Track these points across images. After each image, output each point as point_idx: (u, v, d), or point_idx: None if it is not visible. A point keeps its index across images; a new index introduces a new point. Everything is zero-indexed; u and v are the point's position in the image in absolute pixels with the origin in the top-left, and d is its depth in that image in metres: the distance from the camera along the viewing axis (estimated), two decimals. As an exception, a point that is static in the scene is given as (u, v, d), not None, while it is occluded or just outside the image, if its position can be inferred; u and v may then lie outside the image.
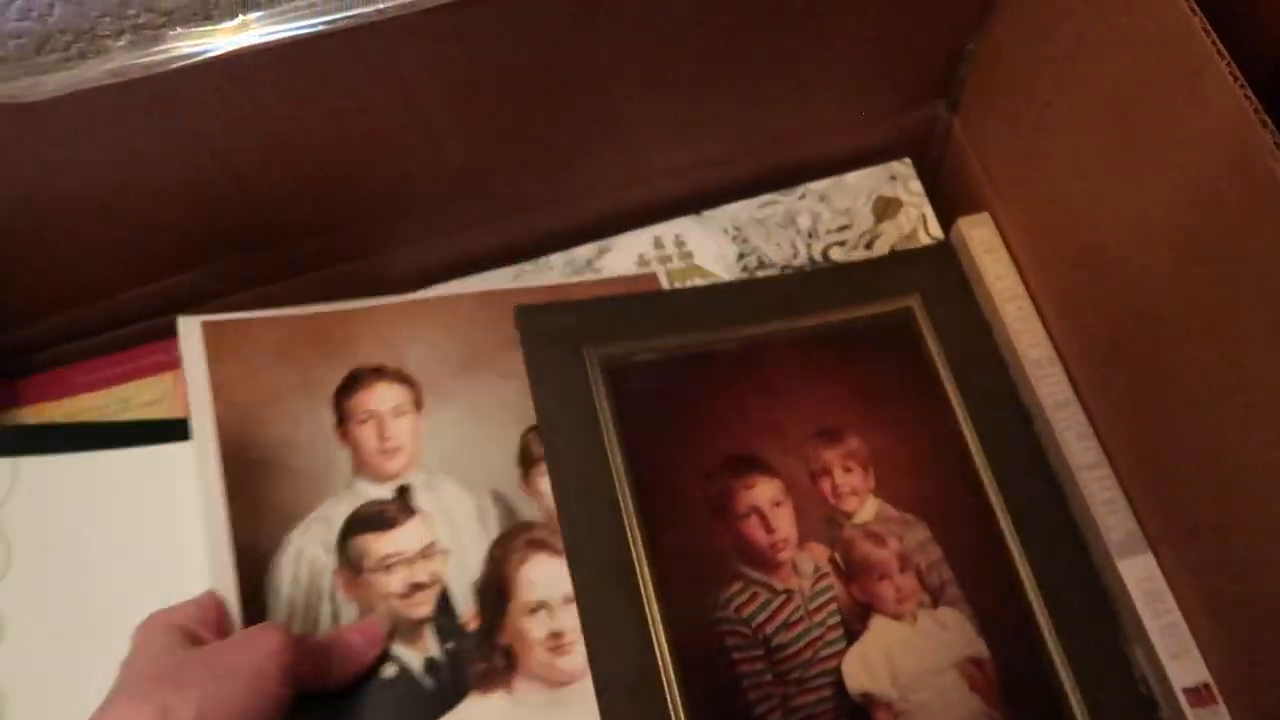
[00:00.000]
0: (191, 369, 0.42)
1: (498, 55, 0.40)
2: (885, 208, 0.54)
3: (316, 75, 0.38)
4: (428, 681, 0.39)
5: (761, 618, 0.41)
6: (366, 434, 0.43)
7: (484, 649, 0.40)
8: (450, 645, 0.40)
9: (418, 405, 0.44)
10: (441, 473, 0.43)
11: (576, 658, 0.40)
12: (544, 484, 0.43)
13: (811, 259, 0.52)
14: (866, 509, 0.44)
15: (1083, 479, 0.45)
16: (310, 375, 0.44)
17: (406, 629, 0.40)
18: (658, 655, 0.39)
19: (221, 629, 0.37)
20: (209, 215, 0.43)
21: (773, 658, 0.40)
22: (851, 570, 0.43)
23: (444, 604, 0.40)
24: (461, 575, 0.41)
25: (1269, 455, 0.35)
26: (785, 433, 0.45)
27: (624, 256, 0.51)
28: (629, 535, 0.42)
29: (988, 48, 0.48)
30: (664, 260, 0.52)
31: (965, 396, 0.47)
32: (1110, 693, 0.41)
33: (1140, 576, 0.43)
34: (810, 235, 0.53)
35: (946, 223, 0.53)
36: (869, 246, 0.53)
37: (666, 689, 0.39)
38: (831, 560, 0.43)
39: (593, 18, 0.40)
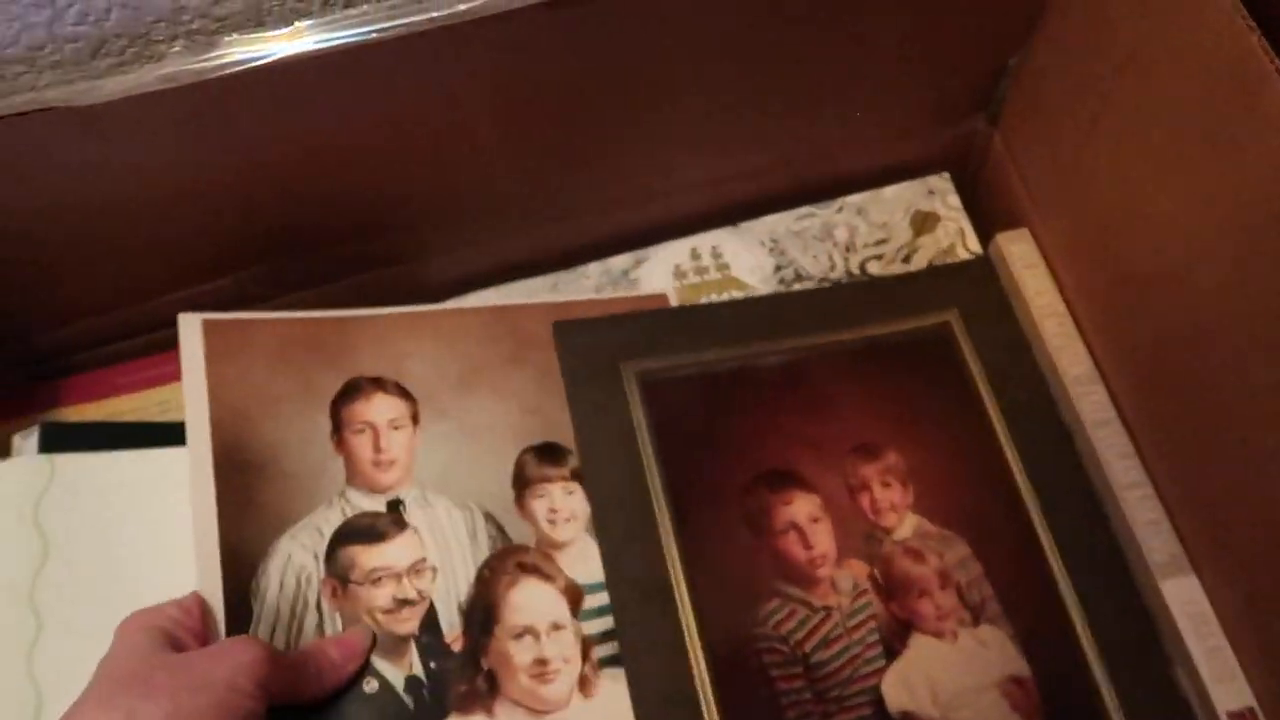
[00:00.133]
0: (189, 366, 0.42)
1: (545, 66, 0.40)
2: (923, 222, 0.53)
3: (366, 83, 0.38)
4: (408, 699, 0.38)
5: (800, 635, 0.41)
6: (361, 444, 0.43)
7: (467, 671, 0.39)
8: (433, 664, 0.39)
9: (415, 420, 0.44)
10: (435, 489, 0.43)
11: (559, 686, 0.39)
12: (537, 506, 0.43)
13: (849, 272, 0.52)
14: (905, 525, 0.44)
15: (1124, 499, 0.44)
16: (309, 380, 0.43)
17: (390, 644, 0.39)
18: (695, 672, 0.39)
19: (203, 632, 0.37)
20: (253, 219, 0.43)
21: (811, 675, 0.40)
22: (891, 587, 0.42)
23: (430, 622, 0.40)
24: (449, 594, 0.40)
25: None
26: (823, 448, 0.45)
27: (661, 267, 0.51)
28: (666, 551, 0.41)
29: (1031, 62, 0.48)
30: (700, 271, 0.51)
31: (1004, 413, 0.46)
32: (1155, 714, 0.41)
33: (1184, 599, 0.42)
34: (847, 248, 0.53)
35: (984, 238, 0.53)
36: (906, 260, 0.52)
37: (704, 707, 0.39)
38: (870, 577, 0.42)
39: (641, 32, 0.40)
